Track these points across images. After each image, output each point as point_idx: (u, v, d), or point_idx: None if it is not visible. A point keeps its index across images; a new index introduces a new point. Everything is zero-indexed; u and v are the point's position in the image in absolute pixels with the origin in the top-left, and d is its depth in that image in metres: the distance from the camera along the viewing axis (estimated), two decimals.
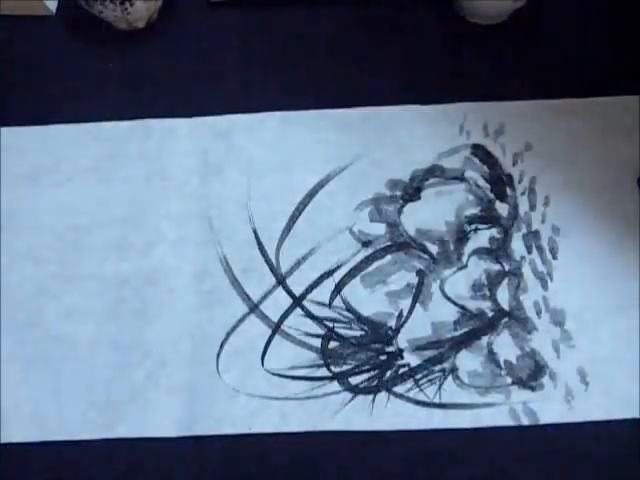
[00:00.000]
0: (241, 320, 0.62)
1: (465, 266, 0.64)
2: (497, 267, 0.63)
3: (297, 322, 0.62)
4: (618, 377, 0.59)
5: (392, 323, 0.62)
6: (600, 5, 0.74)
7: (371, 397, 0.60)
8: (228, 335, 0.62)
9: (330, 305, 0.63)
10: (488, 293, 0.63)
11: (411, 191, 0.67)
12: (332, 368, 0.61)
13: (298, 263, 0.64)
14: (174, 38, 0.75)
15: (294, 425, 0.59)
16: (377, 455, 0.58)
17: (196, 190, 0.67)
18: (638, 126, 0.67)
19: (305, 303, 0.63)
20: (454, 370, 0.60)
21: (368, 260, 0.64)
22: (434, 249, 0.64)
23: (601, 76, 0.70)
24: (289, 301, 0.63)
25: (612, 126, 0.68)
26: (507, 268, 0.63)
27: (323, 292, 0.63)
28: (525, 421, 0.58)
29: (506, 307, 0.62)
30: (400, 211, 0.66)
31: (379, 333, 0.62)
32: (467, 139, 0.68)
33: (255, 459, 0.58)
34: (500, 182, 0.67)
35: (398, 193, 0.67)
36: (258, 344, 0.62)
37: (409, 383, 0.60)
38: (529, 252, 0.64)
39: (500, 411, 0.58)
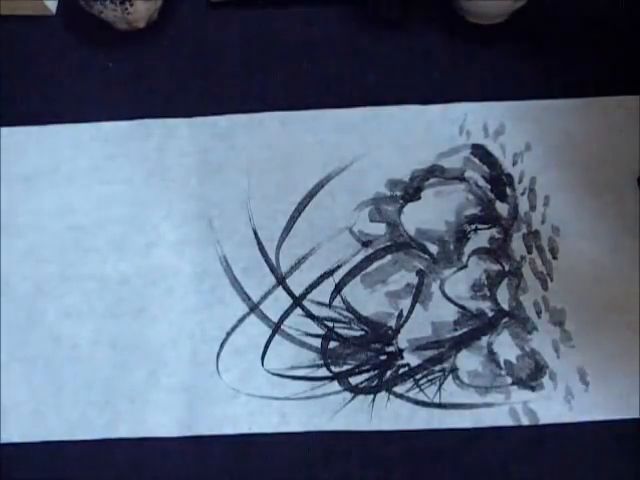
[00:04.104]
0: (241, 320, 0.62)
1: (465, 266, 0.64)
2: (497, 267, 0.63)
3: (297, 322, 0.62)
4: (618, 377, 0.59)
5: (392, 323, 0.62)
6: (600, 5, 0.74)
7: (371, 397, 0.60)
8: (228, 335, 0.62)
9: (330, 305, 0.63)
10: (488, 293, 0.63)
11: (411, 191, 0.67)
12: (332, 368, 0.61)
13: (298, 263, 0.64)
14: (174, 38, 0.75)
15: (294, 425, 0.59)
16: (377, 455, 0.58)
17: (196, 190, 0.67)
18: (638, 126, 0.67)
19: (305, 303, 0.63)
20: (454, 370, 0.60)
21: (368, 260, 0.64)
22: (434, 249, 0.64)
23: (601, 76, 0.70)
24: (289, 301, 0.63)
25: (612, 126, 0.68)
26: (507, 268, 0.63)
27: (323, 292, 0.63)
28: (525, 421, 0.58)
29: (506, 307, 0.62)
30: (400, 211, 0.66)
31: (379, 333, 0.62)
32: (467, 139, 0.68)
33: (255, 459, 0.58)
34: (500, 182, 0.67)
35: (398, 193, 0.67)
36: (258, 344, 0.62)
37: (409, 383, 0.60)
38: (529, 252, 0.64)
39: (500, 411, 0.59)
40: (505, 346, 0.61)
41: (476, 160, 0.68)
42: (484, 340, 0.61)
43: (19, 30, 0.76)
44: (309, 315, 0.63)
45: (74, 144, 0.70)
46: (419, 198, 0.66)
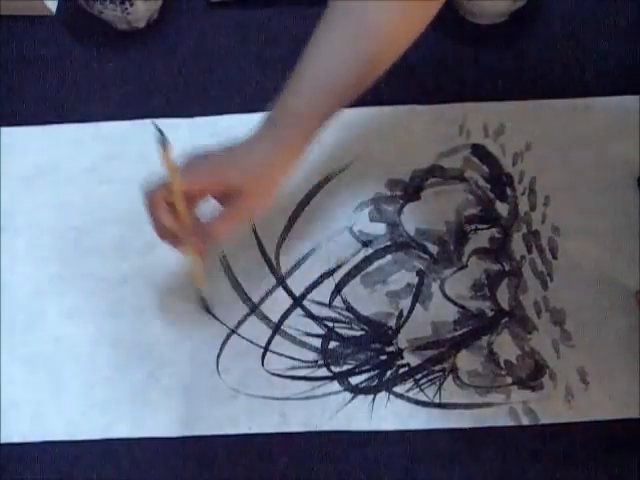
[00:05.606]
0: (241, 321, 0.62)
1: (465, 266, 0.64)
2: (497, 267, 0.63)
3: (297, 322, 0.62)
4: (618, 377, 0.59)
5: (392, 323, 0.62)
6: (600, 5, 0.74)
7: (371, 397, 0.59)
8: (228, 335, 0.62)
9: (330, 305, 0.63)
10: (488, 293, 0.63)
11: (411, 191, 0.67)
12: (332, 368, 0.61)
13: (298, 263, 0.64)
14: (174, 38, 0.75)
15: (294, 425, 0.59)
16: (377, 455, 0.58)
17: None
18: (638, 126, 0.67)
19: (305, 303, 0.63)
20: (454, 370, 0.60)
21: (368, 260, 0.64)
22: (434, 249, 0.64)
23: (601, 76, 0.70)
24: (289, 301, 0.63)
25: (612, 126, 0.68)
26: (507, 268, 0.63)
27: (323, 292, 0.63)
28: (525, 421, 0.58)
29: (506, 307, 0.62)
30: (400, 211, 0.66)
31: (379, 333, 0.62)
32: (467, 139, 0.68)
33: (255, 459, 0.58)
34: (500, 182, 0.67)
35: (398, 193, 0.67)
36: (258, 344, 0.62)
37: (409, 383, 0.60)
38: (529, 252, 0.64)
39: (500, 411, 0.58)
40: (505, 346, 0.61)
41: (476, 160, 0.68)
42: (484, 340, 0.61)
43: (19, 30, 0.76)
44: (309, 315, 0.63)
45: (74, 144, 0.70)
46: (419, 198, 0.66)
